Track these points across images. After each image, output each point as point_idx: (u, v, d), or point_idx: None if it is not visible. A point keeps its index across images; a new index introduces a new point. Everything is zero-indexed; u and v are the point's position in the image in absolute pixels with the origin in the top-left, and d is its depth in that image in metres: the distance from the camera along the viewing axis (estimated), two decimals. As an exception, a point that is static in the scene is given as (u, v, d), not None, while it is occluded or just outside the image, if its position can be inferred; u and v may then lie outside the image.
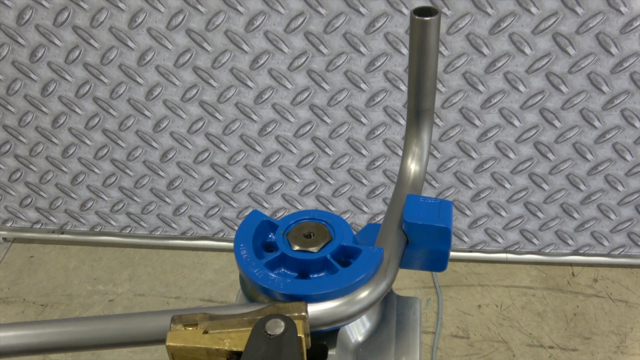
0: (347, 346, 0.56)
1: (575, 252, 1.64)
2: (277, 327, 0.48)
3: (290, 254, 0.53)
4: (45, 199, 1.70)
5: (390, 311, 0.61)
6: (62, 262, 1.77)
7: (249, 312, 0.50)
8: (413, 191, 0.66)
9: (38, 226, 1.78)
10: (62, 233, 1.82)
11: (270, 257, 0.53)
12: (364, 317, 0.59)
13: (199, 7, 1.28)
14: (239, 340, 0.48)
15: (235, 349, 0.48)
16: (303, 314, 0.49)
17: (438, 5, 1.22)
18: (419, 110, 0.68)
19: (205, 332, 0.49)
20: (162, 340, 0.50)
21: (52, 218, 1.75)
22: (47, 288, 1.69)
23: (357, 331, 0.58)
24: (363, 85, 1.36)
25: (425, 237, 0.58)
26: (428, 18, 0.58)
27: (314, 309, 0.51)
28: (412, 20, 0.60)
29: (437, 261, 0.60)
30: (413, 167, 0.69)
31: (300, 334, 0.48)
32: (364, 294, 0.51)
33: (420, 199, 0.60)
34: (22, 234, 1.83)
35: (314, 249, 0.54)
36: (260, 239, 0.56)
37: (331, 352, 0.54)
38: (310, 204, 1.61)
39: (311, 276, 0.53)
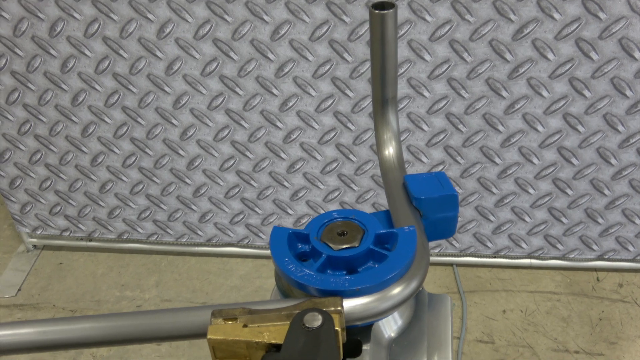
0: (380, 341, 0.57)
1: (600, 258, 1.63)
2: (315, 321, 0.49)
3: (335, 254, 0.55)
4: (74, 207, 1.74)
5: (421, 309, 0.62)
6: (90, 269, 1.81)
7: (286, 307, 0.52)
8: (403, 172, 0.70)
9: (67, 234, 1.82)
10: (90, 240, 1.85)
11: (318, 263, 0.54)
12: (396, 315, 0.60)
13: (226, 17, 1.31)
14: (278, 333, 0.50)
15: (274, 342, 0.49)
16: (339, 308, 0.51)
17: (461, 12, 1.24)
18: (384, 99, 0.71)
19: (245, 325, 0.51)
20: (202, 334, 0.52)
21: (80, 226, 1.79)
22: (76, 294, 1.73)
23: (389, 328, 0.60)
24: (387, 92, 1.38)
25: (436, 207, 0.63)
26: (386, 11, 0.62)
27: (350, 304, 0.52)
28: (371, 14, 0.63)
29: (447, 228, 0.65)
30: (392, 152, 0.73)
31: (337, 328, 0.50)
32: (399, 289, 0.53)
33: (418, 177, 0.65)
34: (51, 241, 1.87)
35: (355, 244, 0.55)
36: (292, 251, 0.57)
37: (365, 347, 0.55)
38: (334, 210, 1.62)
39: (359, 270, 0.55)
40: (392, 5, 0.63)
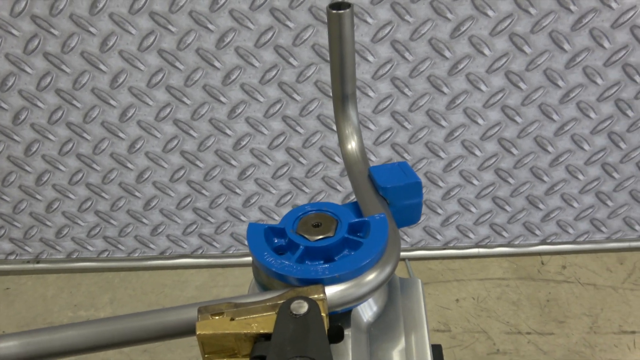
0: (360, 326, 0.60)
1: (543, 242, 1.71)
2: (301, 308, 0.51)
3: (313, 245, 0.57)
4: (20, 229, 1.69)
5: (395, 293, 0.65)
6: (39, 292, 1.76)
7: (270, 298, 0.54)
8: (366, 164, 0.74)
9: (12, 257, 1.77)
10: (38, 262, 1.80)
11: (297, 255, 0.56)
12: (371, 301, 0.63)
13: (170, 27, 1.31)
14: (266, 323, 0.52)
15: (262, 332, 0.51)
16: (321, 295, 0.53)
17: (401, 13, 1.29)
18: (344, 96, 0.75)
19: (232, 319, 0.52)
20: (191, 332, 0.53)
21: (27, 248, 1.74)
22: (27, 318, 1.68)
23: (366, 313, 0.62)
24: (333, 94, 1.41)
25: (402, 195, 0.66)
26: (342, 11, 0.66)
27: (330, 291, 0.54)
28: (328, 14, 0.67)
29: (412, 214, 0.69)
30: (354, 146, 0.76)
31: (323, 314, 0.52)
32: (375, 273, 0.55)
33: (382, 167, 0.69)
34: (-5, 266, 1.81)
35: (330, 234, 0.58)
36: (270, 245, 0.59)
37: (346, 332, 0.57)
38: (287, 213, 1.64)
39: (336, 258, 0.57)
40: (348, 5, 0.66)
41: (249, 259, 1.81)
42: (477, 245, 1.73)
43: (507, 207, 1.63)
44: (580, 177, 1.56)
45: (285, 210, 1.64)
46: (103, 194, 1.61)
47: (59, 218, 1.67)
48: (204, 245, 1.73)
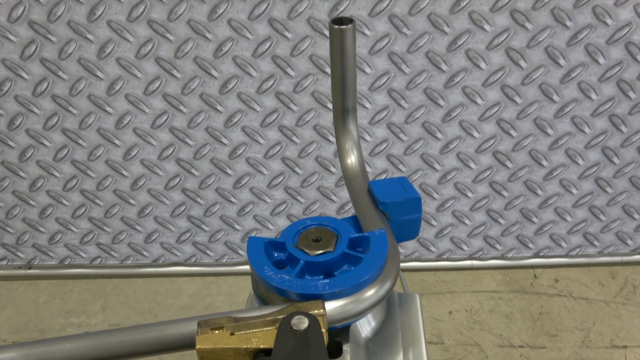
0: (358, 341, 0.60)
1: (536, 255, 1.72)
2: (302, 323, 0.51)
3: (313, 260, 0.57)
4: (12, 234, 1.68)
5: (393, 308, 0.65)
6: (31, 298, 1.75)
7: (270, 313, 0.54)
8: (366, 179, 0.74)
9: (4, 263, 1.75)
10: (30, 268, 1.79)
11: (297, 269, 0.56)
12: (369, 316, 0.63)
13: (168, 35, 1.31)
14: (266, 338, 0.52)
15: (263, 347, 0.51)
16: (321, 311, 0.53)
17: (398, 25, 1.29)
18: (345, 110, 0.75)
19: (232, 333, 0.52)
20: (190, 345, 0.53)
21: (19, 254, 1.73)
22: (18, 324, 1.67)
23: (364, 329, 0.62)
24: (330, 105, 1.41)
25: (401, 210, 0.67)
26: (344, 26, 0.66)
27: (330, 306, 0.54)
28: (331, 29, 0.67)
29: (412, 229, 0.69)
30: (354, 160, 0.77)
31: (323, 329, 0.52)
32: (375, 289, 0.56)
33: (382, 182, 0.69)
34: (-13, 271, 1.80)
35: (330, 249, 0.58)
36: (270, 259, 0.59)
37: (345, 348, 0.58)
38: (281, 223, 1.64)
39: (336, 273, 0.57)
40: (350, 21, 0.66)
41: (243, 267, 1.81)
42: (470, 258, 1.74)
43: (500, 220, 1.64)
44: (574, 191, 1.57)
45: (280, 220, 1.64)
46: (97, 201, 1.60)
47: (52, 224, 1.66)
48: (198, 253, 1.73)
